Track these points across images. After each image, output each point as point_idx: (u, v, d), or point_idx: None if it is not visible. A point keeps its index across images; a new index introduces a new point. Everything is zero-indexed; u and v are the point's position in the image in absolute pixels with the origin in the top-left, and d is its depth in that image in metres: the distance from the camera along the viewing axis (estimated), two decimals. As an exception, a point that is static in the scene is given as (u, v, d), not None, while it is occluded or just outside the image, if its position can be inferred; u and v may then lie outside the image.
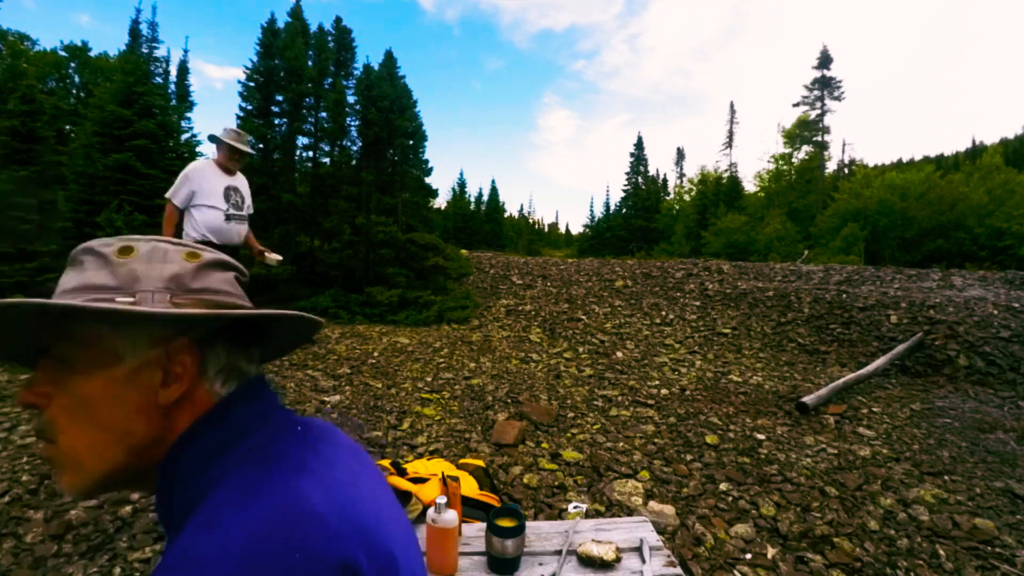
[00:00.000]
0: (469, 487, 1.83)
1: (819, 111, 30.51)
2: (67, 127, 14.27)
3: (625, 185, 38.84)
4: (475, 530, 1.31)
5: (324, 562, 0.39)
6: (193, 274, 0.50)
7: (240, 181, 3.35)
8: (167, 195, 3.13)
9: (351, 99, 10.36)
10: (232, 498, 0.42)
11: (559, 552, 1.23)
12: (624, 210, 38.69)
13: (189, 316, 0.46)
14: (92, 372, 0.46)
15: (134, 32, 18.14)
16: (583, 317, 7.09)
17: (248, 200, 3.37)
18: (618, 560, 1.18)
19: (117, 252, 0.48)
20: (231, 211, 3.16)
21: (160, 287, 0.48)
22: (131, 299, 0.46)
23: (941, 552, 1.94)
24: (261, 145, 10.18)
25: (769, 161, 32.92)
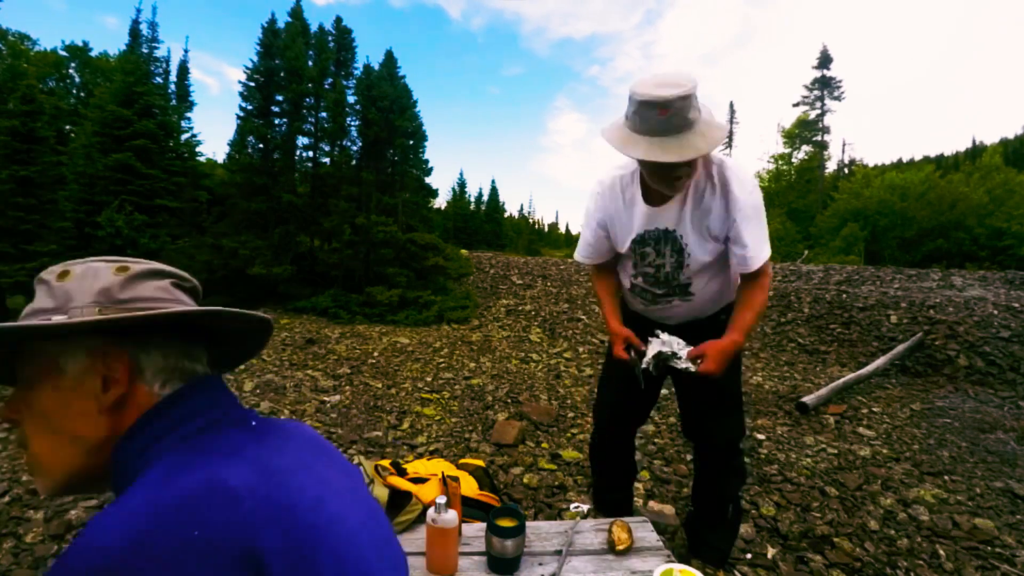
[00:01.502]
0: (469, 487, 1.82)
1: (819, 111, 30.52)
2: (67, 127, 14.28)
3: (625, 185, 38.75)
4: (475, 530, 1.31)
5: (225, 542, 0.39)
6: (121, 286, 0.53)
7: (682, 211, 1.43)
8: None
9: (351, 99, 10.37)
10: (151, 478, 0.44)
11: (559, 552, 1.23)
12: (624, 210, 38.59)
13: (103, 321, 0.49)
14: (42, 385, 0.52)
15: (134, 32, 18.13)
16: (583, 317, 7.09)
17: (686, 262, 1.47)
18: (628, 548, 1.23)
19: (57, 277, 0.53)
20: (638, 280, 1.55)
21: (88, 302, 0.51)
22: (64, 316, 0.50)
23: (941, 552, 1.94)
24: (261, 145, 10.18)
25: (769, 161, 32.94)
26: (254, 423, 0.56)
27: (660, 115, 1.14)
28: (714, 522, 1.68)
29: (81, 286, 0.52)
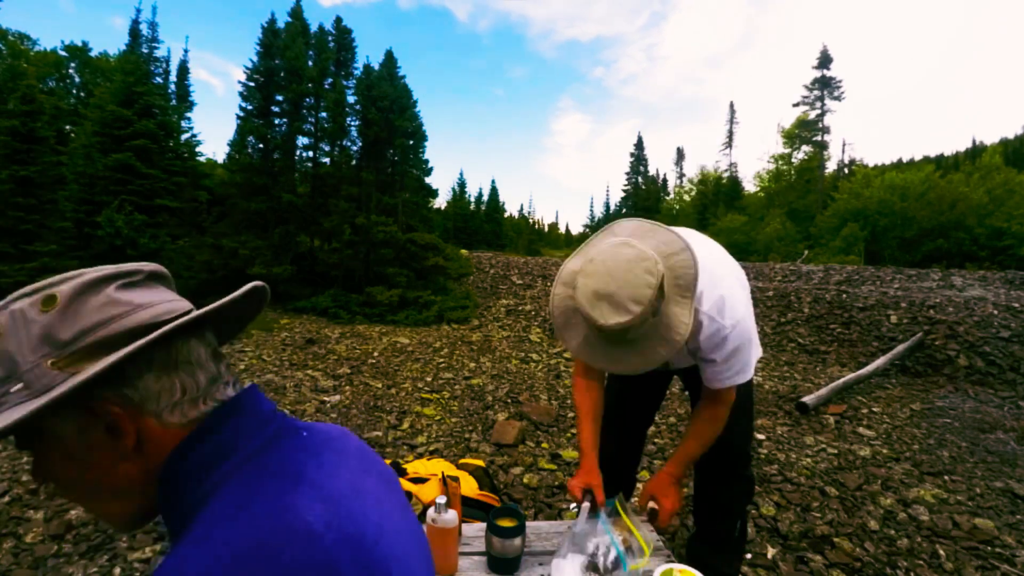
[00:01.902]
0: (469, 487, 1.83)
1: (819, 111, 30.52)
2: (67, 127, 14.27)
3: (625, 185, 38.89)
4: (475, 530, 1.31)
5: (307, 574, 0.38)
6: (58, 323, 0.44)
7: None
8: None
9: (351, 99, 10.37)
10: (224, 511, 0.42)
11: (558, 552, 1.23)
12: (624, 210, 38.72)
13: (58, 397, 0.41)
14: (51, 456, 0.47)
15: (134, 32, 18.14)
16: (583, 317, 7.09)
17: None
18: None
19: None
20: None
21: (34, 360, 0.43)
22: (20, 385, 0.43)
23: (941, 552, 1.94)
24: (261, 145, 10.18)
25: (769, 161, 32.94)
26: (304, 433, 0.52)
27: (596, 331, 1.01)
28: (718, 542, 1.50)
29: (18, 343, 0.44)
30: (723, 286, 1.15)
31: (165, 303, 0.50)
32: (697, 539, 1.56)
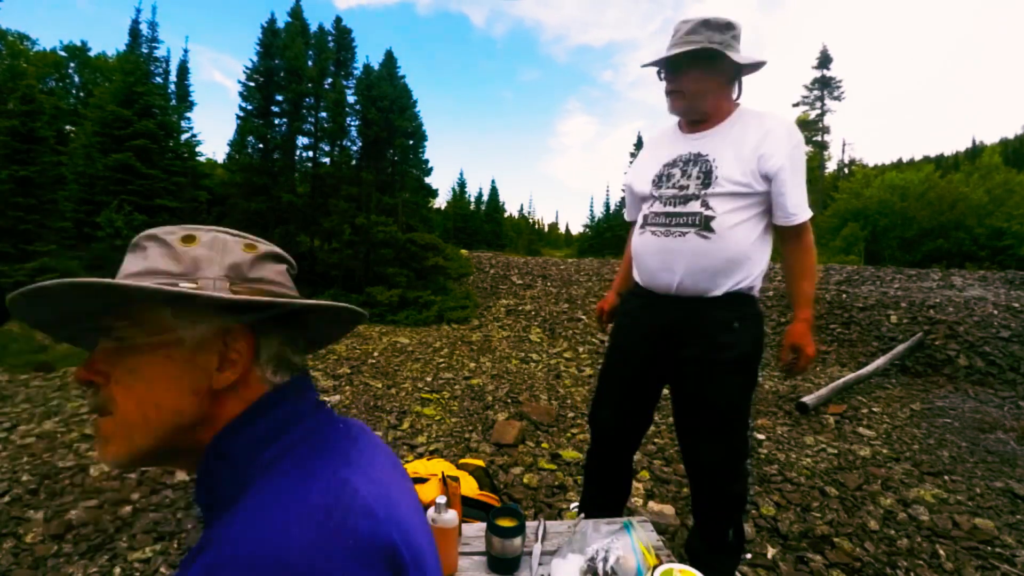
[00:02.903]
0: (469, 487, 1.83)
1: (819, 111, 30.53)
2: (67, 127, 14.28)
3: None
4: (475, 530, 1.31)
5: (374, 547, 0.41)
6: (251, 264, 0.52)
7: (712, 141, 1.38)
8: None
9: (351, 99, 10.37)
10: (287, 483, 0.43)
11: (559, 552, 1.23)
12: (624, 210, 38.66)
13: (254, 302, 0.48)
14: (153, 353, 0.48)
15: (134, 32, 18.13)
16: (583, 317, 7.09)
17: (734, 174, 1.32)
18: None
19: (180, 240, 0.50)
20: (655, 207, 1.42)
21: (220, 275, 0.49)
22: (193, 285, 0.47)
23: (941, 552, 1.94)
24: (261, 145, 10.18)
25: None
26: (341, 425, 0.55)
27: (683, 25, 1.33)
28: (713, 546, 1.52)
29: (211, 256, 0.50)
30: (786, 119, 1.39)
31: (299, 298, 0.58)
32: (696, 538, 1.55)
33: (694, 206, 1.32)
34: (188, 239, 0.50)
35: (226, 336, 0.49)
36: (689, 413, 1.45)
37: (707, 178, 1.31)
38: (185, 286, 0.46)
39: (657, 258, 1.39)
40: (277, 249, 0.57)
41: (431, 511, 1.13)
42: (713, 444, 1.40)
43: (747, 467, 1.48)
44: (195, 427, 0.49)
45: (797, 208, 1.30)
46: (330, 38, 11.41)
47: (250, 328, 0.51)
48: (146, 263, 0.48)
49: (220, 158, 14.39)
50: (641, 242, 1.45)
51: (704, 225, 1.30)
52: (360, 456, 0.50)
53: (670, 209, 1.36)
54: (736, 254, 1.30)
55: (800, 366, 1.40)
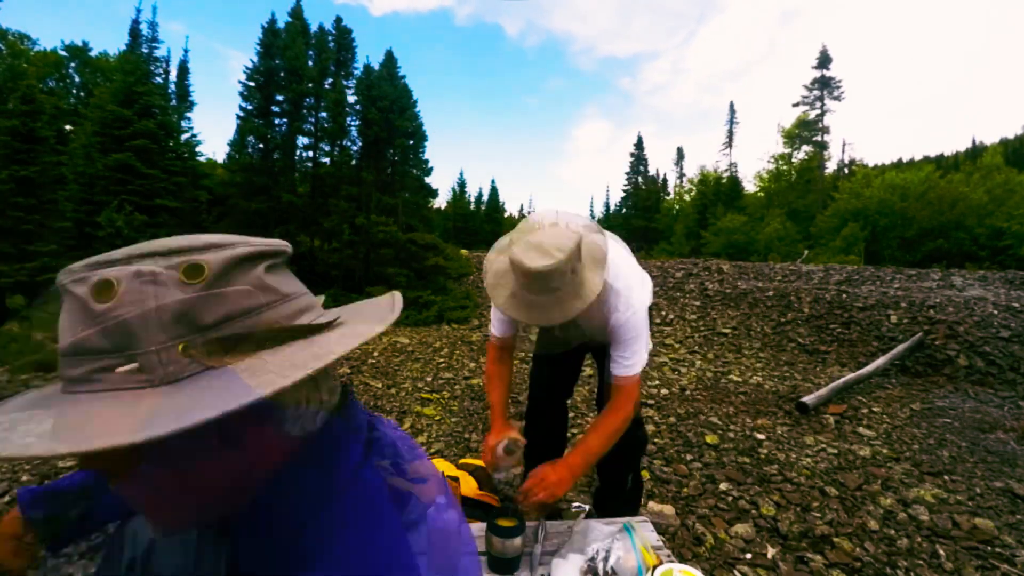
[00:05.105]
0: (469, 487, 1.83)
1: (819, 111, 30.52)
2: (67, 127, 14.27)
3: (625, 185, 38.86)
4: (475, 530, 1.31)
5: None
6: (203, 302, 0.36)
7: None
8: None
9: (351, 99, 10.38)
10: (341, 535, 0.40)
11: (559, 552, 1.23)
12: (624, 210, 38.71)
13: (249, 403, 0.32)
14: (153, 466, 0.38)
15: (134, 32, 18.14)
16: (583, 317, 7.09)
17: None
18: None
19: (95, 294, 0.34)
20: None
21: (166, 341, 0.34)
22: (134, 367, 0.34)
23: (941, 552, 1.94)
24: (261, 145, 10.18)
25: (769, 161, 32.94)
26: (394, 447, 0.51)
27: (524, 278, 1.18)
28: (615, 491, 1.80)
29: (142, 311, 0.34)
30: (628, 280, 1.39)
31: (304, 295, 0.43)
32: (600, 490, 1.86)
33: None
34: (102, 291, 0.34)
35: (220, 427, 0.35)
36: (605, 368, 1.65)
37: (579, 329, 1.51)
38: (122, 371, 0.34)
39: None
40: (241, 251, 0.38)
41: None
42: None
43: (643, 430, 1.81)
44: (230, 494, 0.42)
45: (625, 364, 1.39)
46: (330, 38, 11.41)
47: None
48: (72, 337, 0.35)
49: (220, 158, 14.40)
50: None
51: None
52: (416, 507, 0.47)
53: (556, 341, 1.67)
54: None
55: (528, 486, 1.32)
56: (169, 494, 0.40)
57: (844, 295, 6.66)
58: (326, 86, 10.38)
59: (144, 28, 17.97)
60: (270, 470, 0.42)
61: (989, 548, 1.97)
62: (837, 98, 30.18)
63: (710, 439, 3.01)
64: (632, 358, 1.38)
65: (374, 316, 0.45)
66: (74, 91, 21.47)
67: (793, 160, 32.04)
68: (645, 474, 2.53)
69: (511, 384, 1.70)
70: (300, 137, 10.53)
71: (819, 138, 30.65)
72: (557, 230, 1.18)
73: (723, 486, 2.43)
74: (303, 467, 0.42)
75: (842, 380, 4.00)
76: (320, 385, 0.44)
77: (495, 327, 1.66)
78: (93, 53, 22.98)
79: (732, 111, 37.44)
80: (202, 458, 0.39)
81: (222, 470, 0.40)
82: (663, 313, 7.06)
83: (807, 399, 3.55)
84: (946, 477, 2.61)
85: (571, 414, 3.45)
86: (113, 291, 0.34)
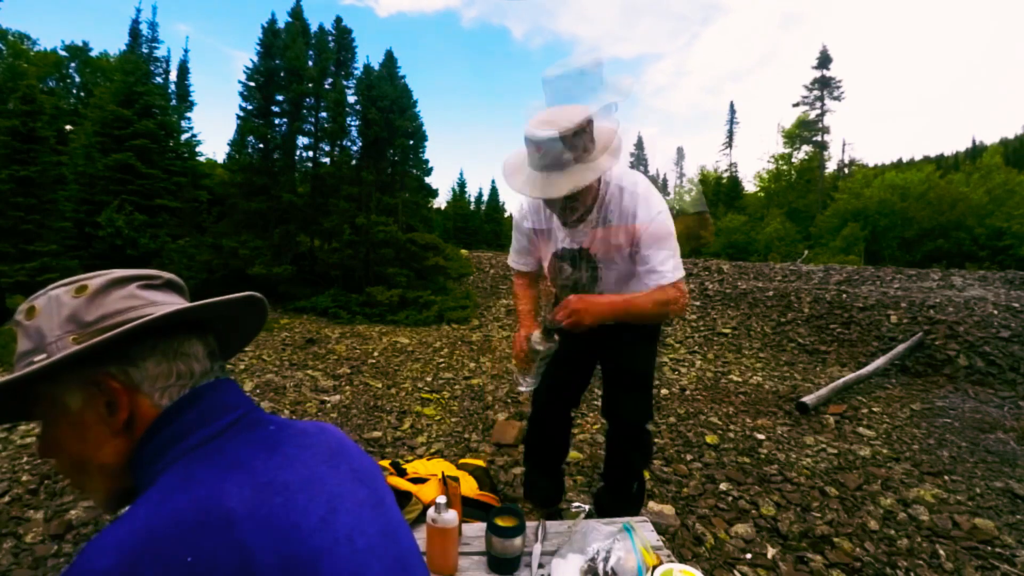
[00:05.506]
0: (469, 487, 1.83)
1: (819, 111, 30.53)
2: (67, 127, 14.27)
3: (625, 185, 38.83)
4: (475, 530, 1.31)
5: (217, 567, 0.39)
6: (85, 307, 0.52)
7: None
8: None
9: (351, 99, 10.37)
10: (154, 495, 0.45)
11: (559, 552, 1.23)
12: (624, 210, 38.61)
13: (81, 351, 0.48)
14: (56, 423, 0.53)
15: (134, 32, 18.14)
16: (583, 317, 7.09)
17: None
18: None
19: (25, 316, 0.53)
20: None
21: (60, 334, 0.51)
22: (44, 356, 0.50)
23: (941, 552, 1.94)
24: (261, 145, 10.18)
25: (769, 161, 32.93)
26: (272, 427, 0.55)
27: (536, 151, 1.21)
28: (619, 497, 1.81)
29: (49, 320, 0.51)
30: (649, 188, 1.38)
31: (176, 304, 0.56)
32: (603, 493, 1.89)
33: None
34: (30, 312, 0.53)
35: (98, 384, 0.50)
36: (615, 376, 1.73)
37: (594, 272, 1.51)
38: (38, 360, 0.49)
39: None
40: (117, 273, 0.55)
41: (431, 511, 1.13)
42: (633, 400, 1.68)
43: (649, 438, 1.84)
44: (127, 467, 0.52)
45: (661, 272, 1.35)
46: (330, 38, 11.41)
47: (112, 366, 0.51)
48: (17, 349, 0.53)
49: (220, 158, 14.39)
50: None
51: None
52: (266, 462, 0.49)
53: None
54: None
55: (560, 309, 1.35)
56: (76, 458, 0.53)
57: (844, 295, 6.66)
58: (326, 86, 10.38)
59: (144, 28, 17.98)
60: (136, 433, 0.52)
61: (989, 548, 1.97)
62: (837, 98, 30.20)
63: (710, 439, 3.01)
64: (667, 262, 1.33)
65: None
66: (74, 91, 21.46)
67: (793, 160, 32.03)
68: (646, 474, 2.53)
69: (537, 300, 1.73)
70: (300, 137, 10.53)
71: (819, 138, 30.67)
72: (569, 108, 1.22)
73: (723, 486, 2.43)
74: (148, 442, 0.51)
75: (842, 380, 4.00)
76: (192, 365, 0.55)
77: (513, 259, 1.71)
78: (93, 53, 22.98)
79: (732, 111, 37.45)
80: (95, 423, 0.51)
81: (111, 437, 0.51)
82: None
83: (807, 399, 3.55)
84: (946, 477, 2.61)
85: (571, 414, 3.45)
86: (36, 311, 0.52)
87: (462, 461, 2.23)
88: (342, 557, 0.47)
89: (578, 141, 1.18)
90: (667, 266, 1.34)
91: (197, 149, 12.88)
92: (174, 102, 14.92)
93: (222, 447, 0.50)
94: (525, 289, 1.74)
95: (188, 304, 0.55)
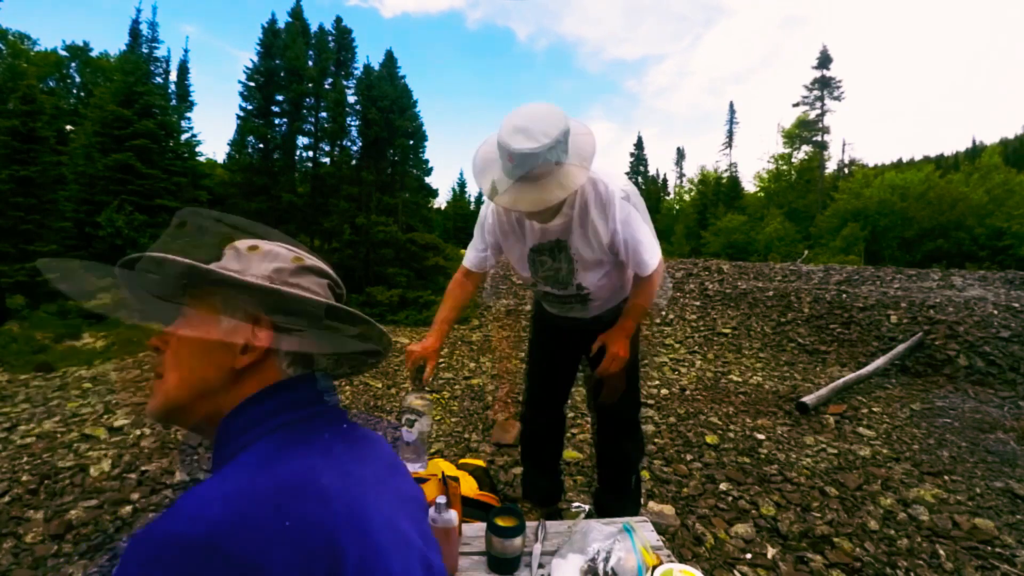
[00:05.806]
0: (469, 487, 1.83)
1: (819, 111, 30.51)
2: (67, 127, 14.26)
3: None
4: (475, 530, 1.31)
5: (313, 537, 0.42)
6: (292, 272, 0.59)
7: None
8: None
9: (351, 99, 10.37)
10: (252, 460, 0.48)
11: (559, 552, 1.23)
12: (624, 210, 38.61)
13: (266, 288, 0.54)
14: (199, 327, 0.57)
15: (134, 32, 18.13)
16: (583, 317, 7.09)
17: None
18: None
19: (247, 248, 0.60)
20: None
21: (264, 274, 0.57)
22: (241, 279, 0.55)
23: (941, 552, 1.94)
24: (261, 145, 10.18)
25: (769, 161, 32.92)
26: (345, 425, 0.60)
27: (508, 161, 1.18)
28: (619, 493, 1.82)
29: (263, 261, 0.58)
30: (616, 175, 1.40)
31: (350, 309, 0.63)
32: (601, 491, 1.88)
33: (570, 287, 1.54)
34: (252, 248, 0.60)
35: (254, 325, 0.56)
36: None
37: (571, 264, 1.49)
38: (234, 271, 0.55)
39: (562, 322, 1.73)
40: (323, 266, 0.65)
41: (431, 511, 1.13)
42: (624, 395, 1.68)
43: (640, 432, 1.86)
44: (216, 396, 0.55)
45: (643, 263, 1.41)
46: (330, 38, 11.41)
47: (276, 320, 0.57)
48: (220, 262, 0.59)
49: (220, 158, 14.38)
50: (546, 307, 1.76)
51: (583, 300, 1.58)
52: (347, 455, 0.53)
53: (555, 290, 1.59)
54: (614, 292, 1.60)
55: (604, 363, 1.48)
56: (186, 357, 0.56)
57: (844, 295, 6.66)
58: (326, 86, 10.38)
59: (144, 28, 17.97)
60: (232, 396, 0.55)
61: (989, 548, 1.97)
62: (837, 98, 30.17)
63: (710, 439, 3.01)
64: (649, 249, 1.39)
65: None
66: (74, 91, 21.46)
67: (793, 160, 32.02)
68: (645, 474, 2.53)
69: (463, 308, 1.72)
70: (300, 137, 10.54)
71: (819, 138, 30.65)
72: (546, 114, 1.18)
73: (723, 486, 2.43)
74: (241, 412, 0.54)
75: (842, 380, 4.00)
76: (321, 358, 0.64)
77: (468, 258, 1.66)
78: (93, 53, 22.98)
79: (732, 111, 37.44)
80: (224, 346, 0.55)
81: (223, 366, 0.55)
82: (663, 313, 7.06)
83: (807, 399, 3.55)
84: (946, 477, 2.61)
85: (571, 414, 3.45)
86: (258, 249, 0.61)
87: (462, 461, 2.23)
88: (402, 557, 0.49)
89: (552, 155, 1.16)
90: (649, 253, 1.39)
91: (197, 149, 12.86)
92: (174, 102, 14.91)
93: (311, 431, 0.54)
94: (460, 291, 1.68)
95: (375, 324, 0.63)
